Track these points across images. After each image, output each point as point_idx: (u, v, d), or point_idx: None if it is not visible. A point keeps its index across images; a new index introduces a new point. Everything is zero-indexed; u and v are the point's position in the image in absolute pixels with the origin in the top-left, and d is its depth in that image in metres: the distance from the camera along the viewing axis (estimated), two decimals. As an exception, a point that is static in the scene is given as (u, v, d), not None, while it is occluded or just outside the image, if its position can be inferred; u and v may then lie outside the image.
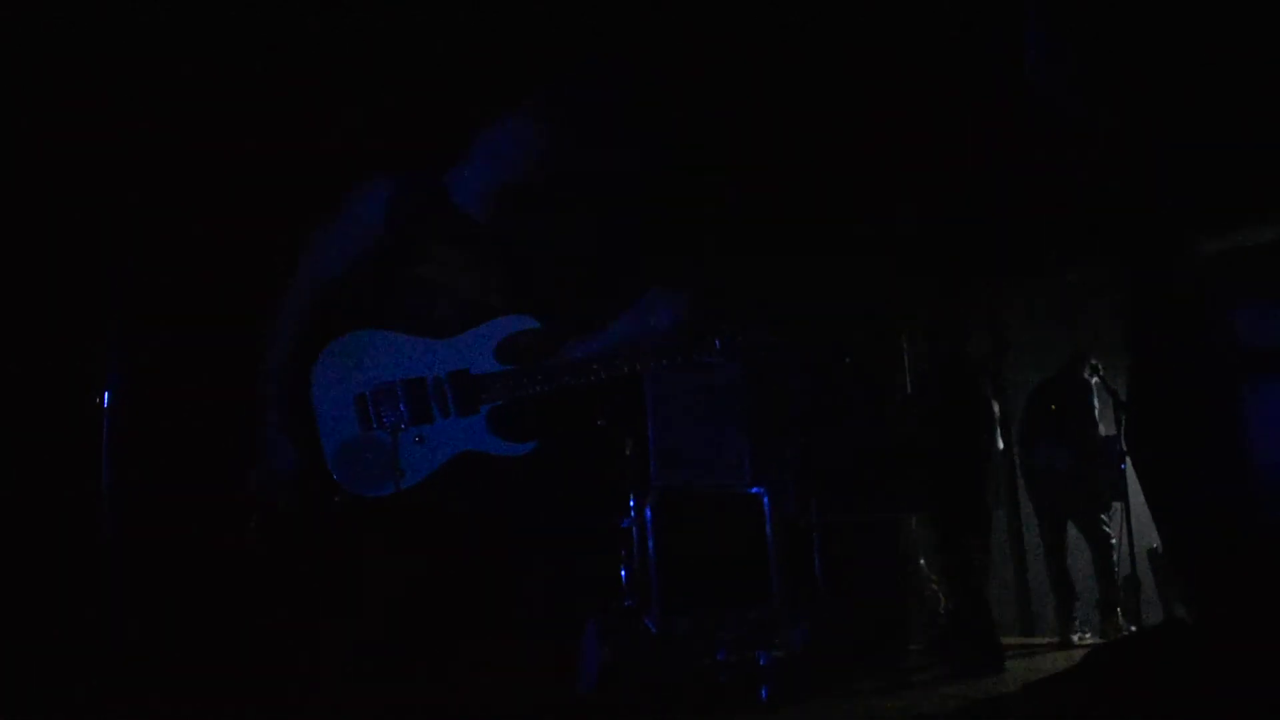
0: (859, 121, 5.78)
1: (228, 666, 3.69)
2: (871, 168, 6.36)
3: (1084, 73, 5.17)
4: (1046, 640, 7.04)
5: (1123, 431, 5.95)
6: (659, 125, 5.04)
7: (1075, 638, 6.67)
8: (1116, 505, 6.49)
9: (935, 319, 6.47)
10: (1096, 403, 6.72)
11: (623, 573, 5.70)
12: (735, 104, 5.56)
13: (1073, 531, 6.80)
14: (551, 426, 2.80)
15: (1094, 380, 6.61)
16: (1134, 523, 6.26)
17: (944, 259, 7.57)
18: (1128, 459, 5.85)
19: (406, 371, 2.74)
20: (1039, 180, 6.29)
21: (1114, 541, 6.56)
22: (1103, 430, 6.72)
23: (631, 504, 5.85)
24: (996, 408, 6.27)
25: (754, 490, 6.34)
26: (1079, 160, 5.57)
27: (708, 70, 5.21)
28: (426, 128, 3.70)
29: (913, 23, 4.94)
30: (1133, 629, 6.27)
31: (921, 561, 6.88)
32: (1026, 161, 6.04)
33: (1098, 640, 6.57)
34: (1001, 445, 6.48)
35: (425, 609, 2.70)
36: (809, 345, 6.95)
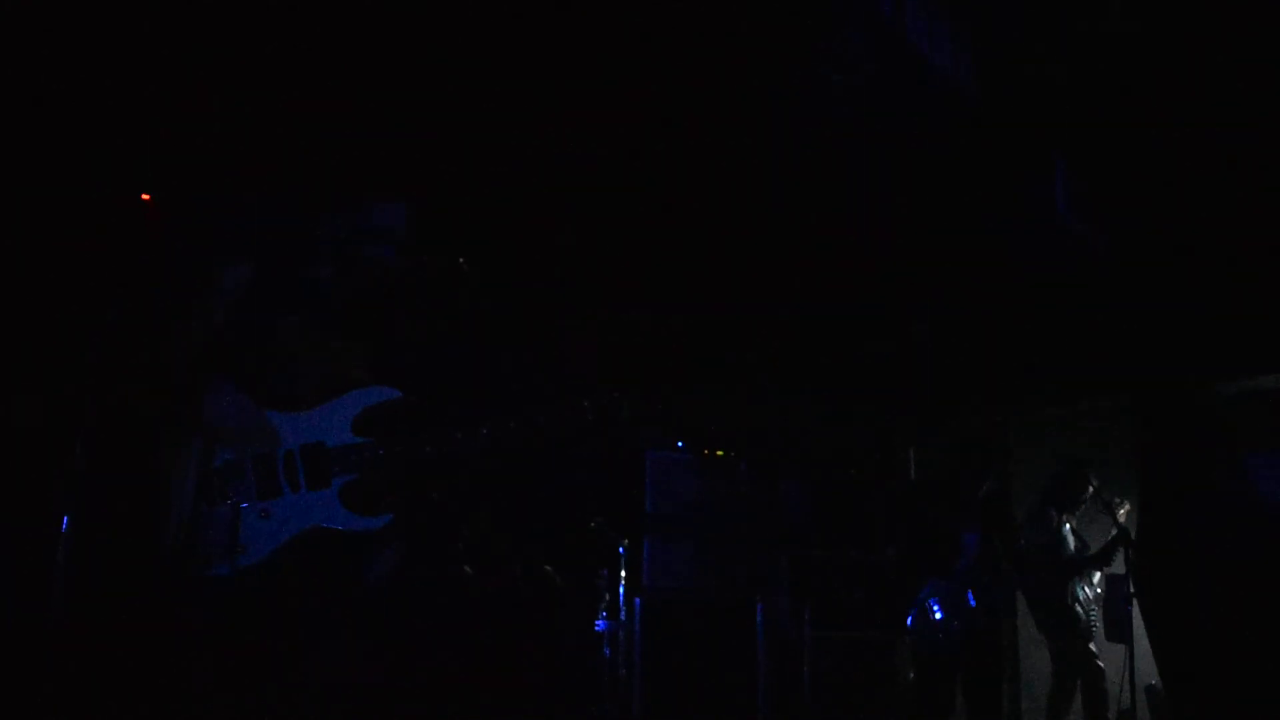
0: (890, 238, 5.77)
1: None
2: (891, 283, 6.33)
3: (1115, 212, 5.19)
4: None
5: (1130, 572, 5.80)
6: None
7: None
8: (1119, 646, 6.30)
9: (952, 441, 6.35)
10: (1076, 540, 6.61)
11: (603, 675, 5.55)
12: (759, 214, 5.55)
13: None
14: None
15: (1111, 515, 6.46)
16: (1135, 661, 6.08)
17: (956, 381, 7.49)
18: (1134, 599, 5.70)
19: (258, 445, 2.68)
20: (1058, 310, 6.25)
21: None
22: (1109, 569, 6.57)
23: (621, 605, 5.71)
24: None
25: (748, 599, 6.18)
26: (1101, 294, 5.55)
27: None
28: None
29: (940, 160, 4.93)
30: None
31: (911, 676, 6.67)
32: (1047, 289, 6.00)
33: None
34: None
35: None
36: (812, 457, 6.86)
